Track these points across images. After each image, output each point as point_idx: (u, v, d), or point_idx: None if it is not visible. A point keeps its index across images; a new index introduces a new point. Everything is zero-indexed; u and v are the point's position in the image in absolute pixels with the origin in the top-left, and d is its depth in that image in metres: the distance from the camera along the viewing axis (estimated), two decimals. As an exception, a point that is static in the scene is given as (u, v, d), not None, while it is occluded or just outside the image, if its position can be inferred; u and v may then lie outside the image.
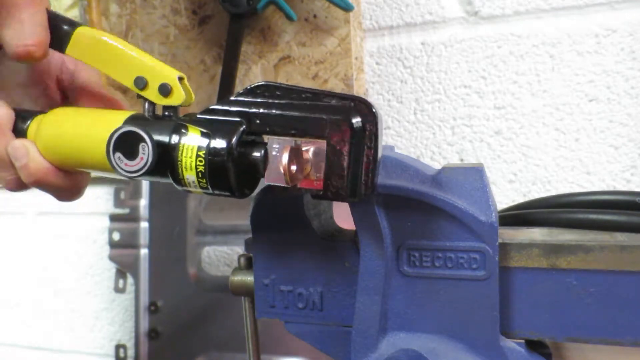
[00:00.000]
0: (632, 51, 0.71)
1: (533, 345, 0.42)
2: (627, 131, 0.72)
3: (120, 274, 0.99)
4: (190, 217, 0.93)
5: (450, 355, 0.42)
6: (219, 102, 0.41)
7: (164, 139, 0.40)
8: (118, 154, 0.41)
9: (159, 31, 0.86)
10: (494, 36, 0.76)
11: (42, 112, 0.48)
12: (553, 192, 0.76)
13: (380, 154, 0.37)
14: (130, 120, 0.43)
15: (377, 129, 0.36)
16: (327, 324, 0.47)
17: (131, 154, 0.40)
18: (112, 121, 0.43)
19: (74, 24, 0.46)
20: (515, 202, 0.61)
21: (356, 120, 0.36)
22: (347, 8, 0.74)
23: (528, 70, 0.75)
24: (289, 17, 0.75)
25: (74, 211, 1.07)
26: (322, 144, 0.37)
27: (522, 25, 0.75)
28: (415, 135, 0.81)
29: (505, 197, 0.78)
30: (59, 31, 0.45)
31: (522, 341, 0.42)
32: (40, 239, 1.10)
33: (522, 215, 0.49)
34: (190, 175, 0.39)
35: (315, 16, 0.78)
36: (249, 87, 0.40)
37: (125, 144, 0.41)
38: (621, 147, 0.73)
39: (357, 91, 0.79)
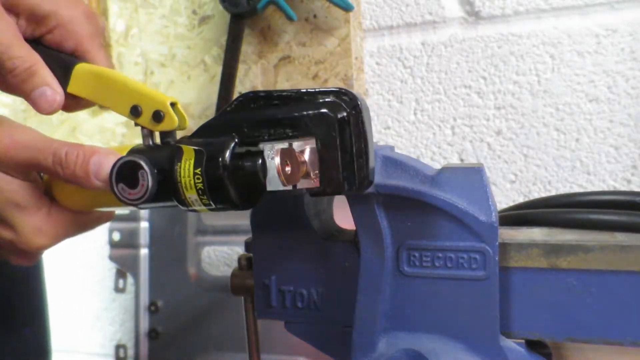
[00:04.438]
0: (632, 51, 0.71)
1: (533, 345, 0.42)
2: (627, 131, 0.72)
3: (120, 274, 1.00)
4: (190, 217, 0.93)
5: (450, 355, 0.42)
6: (210, 119, 0.41)
7: (161, 163, 0.41)
8: (121, 185, 0.42)
9: (159, 31, 0.86)
10: (494, 36, 0.76)
11: None
12: (553, 192, 0.76)
13: (371, 142, 0.37)
14: (130, 153, 0.44)
15: (362, 117, 0.36)
16: (327, 324, 0.47)
17: (132, 183, 0.42)
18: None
19: (72, 62, 0.48)
20: (516, 202, 0.61)
21: (339, 111, 0.36)
22: (347, 8, 0.74)
23: (528, 70, 0.75)
24: (289, 17, 0.75)
25: (74, 211, 1.07)
26: (311, 140, 0.37)
27: (522, 25, 0.75)
28: (415, 135, 0.81)
29: (505, 197, 0.78)
30: (60, 70, 0.48)
31: (522, 341, 0.42)
32: (40, 239, 1.10)
33: (522, 215, 0.49)
34: (191, 195, 0.41)
35: (315, 16, 0.78)
36: (234, 100, 0.40)
37: (125, 174, 0.42)
38: (621, 147, 0.73)
39: (357, 91, 0.79)
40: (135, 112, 0.45)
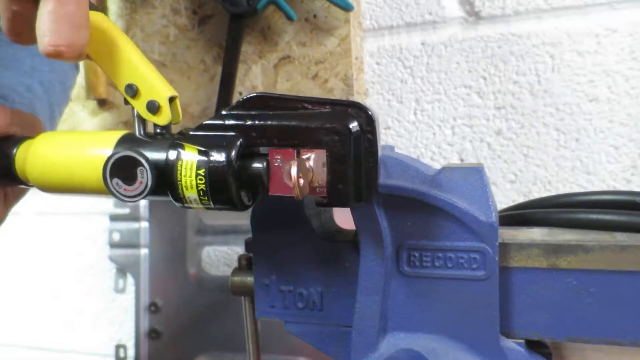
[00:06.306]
0: (632, 51, 0.71)
1: (533, 345, 0.42)
2: (627, 131, 0.72)
3: (120, 274, 1.00)
4: (190, 217, 0.93)
5: (451, 355, 0.42)
6: (212, 117, 0.40)
7: (161, 160, 0.39)
8: (116, 180, 0.40)
9: (159, 31, 0.86)
10: (494, 36, 0.76)
11: (29, 137, 0.46)
12: (553, 192, 0.76)
13: (379, 156, 0.37)
14: (122, 142, 0.41)
15: (375, 133, 0.36)
16: (327, 324, 0.47)
17: (129, 179, 0.40)
18: (104, 143, 0.42)
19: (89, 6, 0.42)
20: (516, 202, 0.61)
21: (353, 126, 0.36)
22: (347, 8, 0.74)
23: (528, 70, 0.75)
24: (289, 17, 0.75)
25: (73, 211, 1.07)
26: (322, 152, 0.37)
27: (522, 25, 0.75)
28: (415, 135, 0.81)
29: (505, 197, 0.78)
30: None
31: (522, 341, 0.42)
32: (40, 239, 1.10)
33: (522, 215, 0.49)
34: (191, 194, 0.39)
35: (315, 16, 0.78)
36: (241, 100, 0.39)
37: (122, 169, 0.40)
38: (621, 147, 0.73)
39: (357, 91, 0.79)
40: (129, 91, 0.41)
